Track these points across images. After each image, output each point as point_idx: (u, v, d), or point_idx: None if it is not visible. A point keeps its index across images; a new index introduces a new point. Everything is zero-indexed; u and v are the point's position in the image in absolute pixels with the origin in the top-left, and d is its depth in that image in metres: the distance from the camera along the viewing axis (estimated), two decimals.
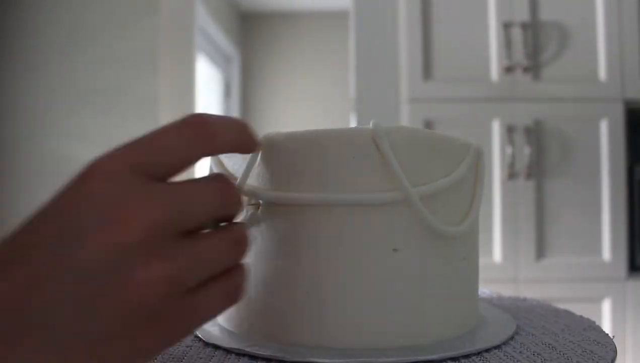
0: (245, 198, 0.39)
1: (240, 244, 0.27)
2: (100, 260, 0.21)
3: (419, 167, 0.38)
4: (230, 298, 0.27)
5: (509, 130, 1.35)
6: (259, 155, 0.38)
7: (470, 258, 0.42)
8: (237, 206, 0.28)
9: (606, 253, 1.34)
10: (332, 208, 0.37)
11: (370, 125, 0.37)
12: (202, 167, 0.43)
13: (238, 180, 0.38)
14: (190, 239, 0.24)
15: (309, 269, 0.37)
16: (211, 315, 0.26)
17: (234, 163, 0.41)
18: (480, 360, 0.36)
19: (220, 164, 0.42)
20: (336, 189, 0.37)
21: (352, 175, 0.37)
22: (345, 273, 0.37)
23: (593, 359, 0.35)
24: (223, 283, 0.26)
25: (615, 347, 0.38)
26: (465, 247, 0.41)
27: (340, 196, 0.37)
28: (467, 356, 0.36)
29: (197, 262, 0.24)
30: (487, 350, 0.37)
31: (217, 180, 0.27)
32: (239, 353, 0.36)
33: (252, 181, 0.39)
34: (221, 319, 0.42)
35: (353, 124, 1.67)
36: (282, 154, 0.38)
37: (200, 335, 0.39)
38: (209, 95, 3.07)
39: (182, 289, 0.23)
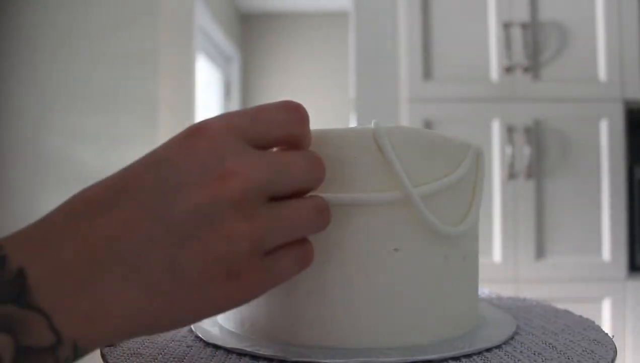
0: None
1: (323, 213, 0.29)
2: (195, 212, 0.23)
3: (419, 167, 0.38)
4: (301, 264, 0.28)
5: (509, 130, 1.35)
6: None
7: (470, 258, 0.42)
8: (321, 181, 0.30)
9: (606, 253, 1.34)
10: (333, 208, 0.37)
11: (372, 124, 0.37)
12: None
13: None
14: (279, 204, 0.26)
15: (309, 269, 0.37)
16: (284, 278, 0.27)
17: None
18: (481, 359, 0.36)
19: None
20: (337, 189, 0.37)
21: (353, 175, 0.37)
22: (346, 273, 0.37)
23: (593, 359, 0.36)
24: (297, 249, 0.28)
25: (615, 347, 0.38)
26: (465, 246, 0.41)
27: (341, 196, 0.37)
28: (468, 356, 0.36)
29: (281, 226, 0.26)
30: (488, 350, 0.37)
31: (310, 155, 0.29)
32: (240, 353, 0.37)
33: None
34: (221, 319, 0.42)
35: (353, 123, 1.67)
36: None
37: (200, 335, 0.39)
38: (209, 95, 3.07)
39: (262, 249, 0.25)
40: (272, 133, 0.27)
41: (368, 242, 0.37)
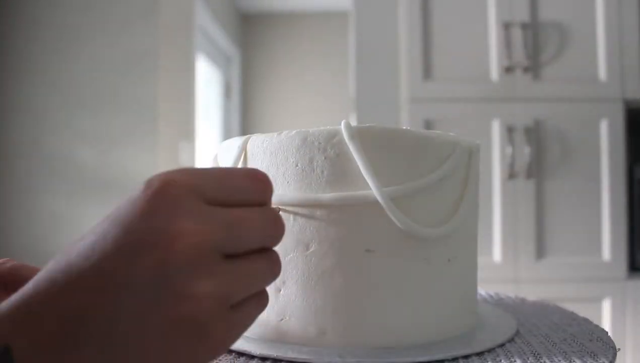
0: None
1: (276, 267, 0.29)
2: (153, 276, 0.23)
3: (393, 167, 0.37)
4: (260, 308, 0.29)
5: (509, 130, 1.35)
6: (242, 157, 0.39)
7: (459, 260, 0.41)
8: (281, 237, 0.29)
9: (606, 253, 1.34)
10: (308, 207, 0.37)
11: (342, 125, 0.37)
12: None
13: None
14: (236, 260, 0.26)
15: (293, 269, 0.37)
16: (248, 326, 0.27)
17: (225, 164, 0.42)
18: (479, 360, 0.35)
19: (218, 166, 0.43)
20: (310, 189, 0.37)
21: (326, 175, 0.37)
22: (325, 272, 0.37)
23: (592, 359, 0.35)
24: (258, 296, 0.28)
25: (615, 347, 0.38)
26: (449, 248, 0.40)
27: (313, 196, 0.37)
28: (466, 357, 0.36)
29: (242, 281, 0.26)
30: (489, 351, 0.37)
31: (269, 212, 0.28)
32: (237, 353, 0.37)
33: None
34: None
35: (353, 123, 1.67)
36: (261, 155, 0.39)
37: None
38: (209, 95, 3.07)
39: (226, 306, 0.25)
40: (233, 197, 0.27)
41: (341, 242, 0.37)
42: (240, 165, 0.40)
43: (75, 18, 1.89)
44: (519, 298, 0.57)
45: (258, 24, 3.69)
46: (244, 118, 3.62)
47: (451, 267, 0.40)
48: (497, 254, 1.34)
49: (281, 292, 0.38)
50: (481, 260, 0.45)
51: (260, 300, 0.28)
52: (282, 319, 0.38)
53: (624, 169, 1.35)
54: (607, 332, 0.42)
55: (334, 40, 3.59)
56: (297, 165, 0.38)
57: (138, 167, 1.87)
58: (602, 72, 1.37)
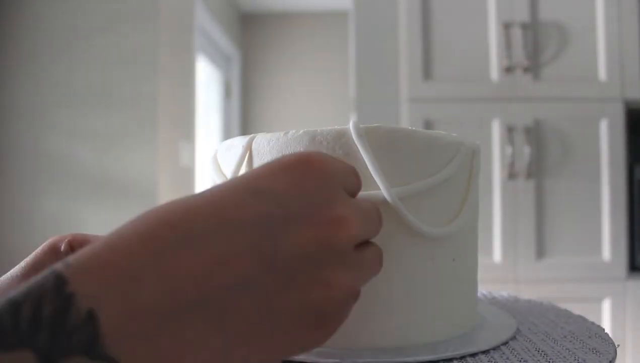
0: None
1: (381, 258, 0.29)
2: (301, 254, 0.22)
3: (401, 167, 0.37)
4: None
5: (509, 130, 1.35)
6: (246, 156, 0.39)
7: (462, 260, 0.41)
8: (380, 229, 0.30)
9: (606, 253, 1.34)
10: None
11: (350, 124, 0.37)
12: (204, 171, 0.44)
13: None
14: (362, 251, 0.26)
15: None
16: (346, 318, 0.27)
17: (226, 163, 0.42)
18: (473, 361, 0.36)
19: (218, 166, 0.43)
20: None
21: None
22: None
23: (596, 355, 0.35)
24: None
25: (615, 348, 0.38)
26: (454, 248, 0.40)
27: None
28: (462, 357, 0.36)
29: (364, 274, 0.26)
30: (495, 349, 0.37)
31: (375, 206, 0.29)
32: None
33: None
34: None
35: None
36: (267, 155, 0.39)
37: None
38: (209, 95, 3.07)
39: (354, 297, 0.24)
40: (352, 188, 0.28)
41: None
42: (244, 165, 0.39)
43: (75, 18, 1.89)
44: (511, 297, 0.57)
45: (258, 24, 3.70)
46: (244, 118, 3.62)
47: (455, 266, 0.40)
48: (497, 254, 1.34)
49: None
50: (481, 260, 0.45)
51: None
52: None
53: (624, 169, 1.35)
54: (603, 329, 0.42)
55: (334, 40, 3.59)
56: None
57: (138, 167, 1.87)
58: (602, 72, 1.37)
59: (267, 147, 0.39)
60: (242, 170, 0.39)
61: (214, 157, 0.44)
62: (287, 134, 0.38)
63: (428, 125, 1.36)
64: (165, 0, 1.97)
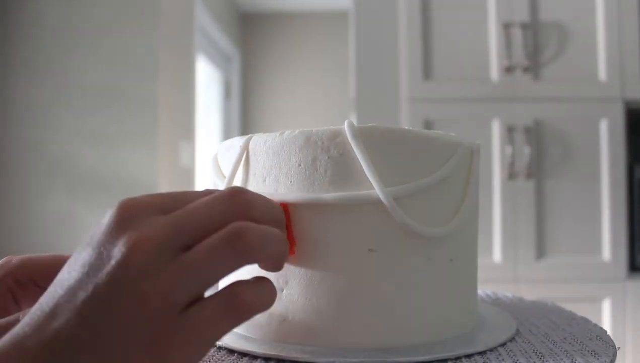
0: None
1: (239, 240, 0.25)
2: (110, 279, 0.24)
3: (397, 167, 0.37)
4: (232, 311, 0.26)
5: (509, 130, 1.35)
6: (244, 156, 0.39)
7: (460, 260, 0.41)
8: (239, 211, 0.28)
9: (606, 253, 1.34)
10: (310, 207, 0.37)
11: (345, 124, 0.37)
12: (204, 171, 0.44)
13: (225, 180, 0.39)
14: (188, 251, 0.25)
15: (296, 269, 0.38)
16: (213, 332, 0.25)
17: (225, 163, 0.42)
18: (482, 359, 0.36)
19: (218, 166, 0.43)
20: (313, 189, 0.37)
21: (329, 175, 0.37)
22: (328, 272, 0.37)
23: (594, 357, 0.35)
24: (222, 295, 0.26)
25: (615, 345, 0.38)
26: (452, 248, 0.40)
27: (316, 196, 0.37)
28: (458, 358, 0.36)
29: (190, 273, 0.25)
30: (491, 350, 0.37)
31: (226, 191, 0.28)
32: (233, 351, 0.37)
33: (238, 182, 0.40)
34: None
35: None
36: (263, 155, 0.39)
37: None
38: (209, 95, 3.07)
39: (176, 304, 0.24)
40: (171, 205, 0.28)
41: (343, 242, 0.37)
42: (242, 165, 0.40)
43: (75, 19, 1.89)
44: (516, 298, 0.57)
45: (258, 24, 3.70)
46: (244, 118, 3.62)
47: (453, 267, 0.40)
48: (497, 254, 1.34)
49: (284, 292, 0.38)
50: (481, 260, 0.45)
51: (230, 300, 0.26)
52: (284, 319, 0.38)
53: (624, 169, 1.35)
54: (605, 331, 0.42)
55: (334, 40, 3.59)
56: (299, 165, 0.38)
57: (138, 166, 1.87)
58: (602, 72, 1.37)
59: (263, 147, 0.39)
60: (240, 170, 0.40)
61: (215, 158, 0.44)
62: (283, 134, 0.38)
63: (428, 125, 1.36)
64: (165, 0, 1.97)
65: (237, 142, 0.41)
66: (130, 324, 0.23)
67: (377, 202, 0.36)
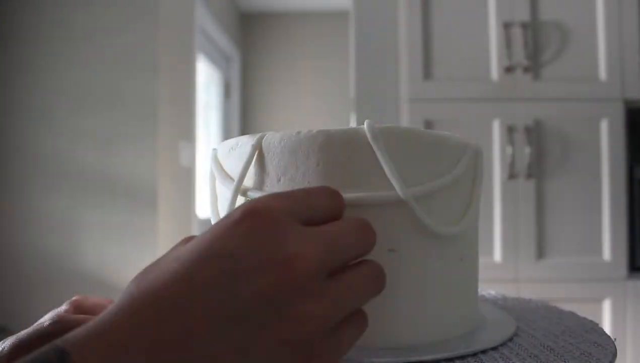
0: (242, 199, 0.39)
1: (379, 278, 0.28)
2: (260, 299, 0.23)
3: (414, 167, 0.37)
4: (361, 329, 0.28)
5: (509, 130, 1.35)
6: (255, 155, 0.39)
7: (468, 259, 0.42)
8: (374, 244, 0.29)
9: (606, 254, 1.34)
10: None
11: (365, 124, 0.37)
12: (205, 171, 0.44)
13: (235, 181, 0.38)
14: (339, 277, 0.26)
15: None
16: (350, 348, 0.27)
17: (231, 163, 0.41)
18: (475, 360, 0.35)
19: (220, 166, 0.42)
20: (341, 187, 0.37)
21: (348, 175, 0.37)
22: None
23: (594, 356, 0.35)
24: (357, 316, 0.28)
25: (615, 350, 0.38)
26: (462, 247, 0.40)
27: None
28: (462, 357, 0.36)
29: (345, 299, 0.26)
30: (483, 352, 0.37)
31: (359, 222, 0.29)
32: None
33: (248, 182, 0.39)
34: None
35: (353, 123, 1.67)
36: (278, 154, 0.38)
37: None
38: (209, 95, 3.07)
39: (332, 326, 0.25)
40: (320, 215, 0.28)
41: None
42: (253, 165, 0.39)
43: (75, 18, 1.89)
44: (516, 298, 0.57)
45: (258, 24, 3.69)
46: (244, 118, 3.62)
47: (462, 265, 0.41)
48: (497, 254, 1.34)
49: None
50: (481, 260, 0.45)
51: (359, 321, 0.28)
52: None
53: (624, 169, 1.35)
54: (609, 335, 0.42)
55: (334, 40, 3.59)
56: (318, 165, 0.37)
57: (138, 166, 1.87)
58: (602, 72, 1.37)
59: (278, 146, 0.38)
60: (252, 170, 0.39)
61: (215, 158, 0.43)
62: (300, 134, 0.38)
63: (428, 125, 1.36)
64: (165, 0, 1.97)
65: (246, 141, 0.40)
66: (285, 347, 0.23)
67: (397, 203, 0.36)
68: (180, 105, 2.13)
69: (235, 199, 0.39)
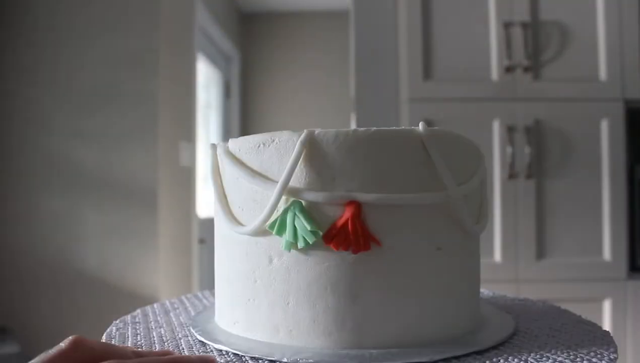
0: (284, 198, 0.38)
1: None
2: None
3: (457, 169, 0.40)
4: None
5: (509, 130, 1.35)
6: (303, 154, 0.37)
7: (479, 257, 0.45)
8: None
9: (606, 254, 1.34)
10: (385, 207, 0.37)
11: (420, 127, 0.38)
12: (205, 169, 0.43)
13: (281, 179, 0.37)
14: None
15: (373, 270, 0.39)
16: None
17: (261, 160, 0.39)
18: (475, 360, 0.35)
19: (241, 162, 0.41)
20: (383, 189, 0.37)
21: (399, 175, 0.38)
22: (400, 271, 0.38)
23: (594, 356, 0.35)
24: None
25: (616, 350, 0.38)
26: (478, 245, 0.44)
27: (394, 195, 0.37)
28: (462, 357, 0.36)
29: None
30: (484, 351, 0.37)
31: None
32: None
33: (298, 183, 0.38)
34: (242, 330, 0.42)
35: (353, 123, 1.67)
36: (333, 152, 0.37)
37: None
38: (208, 95, 3.07)
39: None
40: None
41: (413, 241, 0.38)
42: (302, 162, 0.37)
43: (75, 18, 1.89)
44: (516, 298, 0.57)
45: (258, 24, 3.69)
46: (244, 118, 3.62)
47: (478, 262, 0.44)
48: (497, 254, 1.34)
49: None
50: (482, 260, 0.46)
51: None
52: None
53: (624, 169, 1.35)
54: (609, 335, 0.42)
55: (334, 40, 3.59)
56: (375, 165, 0.37)
57: (138, 167, 1.87)
58: (602, 72, 1.37)
59: (333, 145, 0.37)
60: (300, 167, 0.37)
61: (228, 153, 0.42)
62: (357, 132, 0.37)
63: (428, 125, 1.36)
64: (165, 0, 1.97)
65: (286, 137, 0.38)
66: None
67: (443, 202, 0.38)
68: (180, 105, 2.13)
69: (279, 199, 0.37)
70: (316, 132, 0.38)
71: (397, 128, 0.38)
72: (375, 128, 0.38)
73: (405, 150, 0.37)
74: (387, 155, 0.37)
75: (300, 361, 0.34)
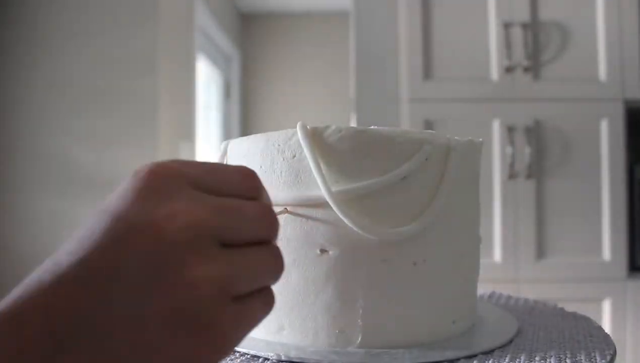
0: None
1: (278, 261, 0.26)
2: (144, 260, 0.21)
3: (351, 167, 0.37)
4: (268, 307, 0.26)
5: (509, 130, 1.35)
6: (225, 159, 0.42)
7: (433, 262, 0.39)
8: (277, 232, 0.27)
9: (606, 254, 1.34)
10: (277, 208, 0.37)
11: (297, 126, 0.37)
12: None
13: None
14: (238, 250, 0.24)
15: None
16: (255, 324, 0.25)
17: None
18: (477, 361, 0.35)
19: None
20: (270, 190, 0.37)
21: (283, 176, 0.38)
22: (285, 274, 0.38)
23: (594, 357, 0.35)
24: (264, 292, 0.26)
25: (615, 350, 0.38)
26: (418, 250, 0.38)
27: (281, 194, 0.38)
28: (461, 359, 0.36)
29: (244, 270, 0.24)
30: (486, 352, 0.37)
31: (264, 205, 0.27)
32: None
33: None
34: None
35: (353, 123, 1.67)
36: (241, 159, 0.40)
37: None
38: (209, 95, 3.07)
39: (228, 295, 0.23)
40: (223, 188, 0.26)
41: (296, 243, 0.37)
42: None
43: (74, 18, 1.89)
44: (519, 299, 0.57)
45: (258, 24, 3.69)
46: (244, 118, 3.62)
47: (417, 270, 0.38)
48: (497, 254, 1.34)
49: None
50: (481, 261, 0.45)
51: (266, 299, 0.26)
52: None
53: (624, 169, 1.35)
54: (609, 335, 0.42)
55: (334, 40, 3.58)
56: (260, 167, 0.39)
57: (138, 167, 1.87)
58: (602, 72, 1.37)
59: (238, 151, 0.41)
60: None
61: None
62: (249, 138, 0.40)
63: (428, 125, 1.36)
64: (165, 0, 1.96)
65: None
66: (179, 314, 0.21)
67: (326, 203, 0.36)
68: (180, 105, 2.13)
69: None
70: (230, 141, 0.43)
71: (281, 131, 0.39)
72: (263, 133, 0.40)
73: (285, 152, 0.38)
74: (270, 158, 0.40)
75: (303, 359, 0.34)
